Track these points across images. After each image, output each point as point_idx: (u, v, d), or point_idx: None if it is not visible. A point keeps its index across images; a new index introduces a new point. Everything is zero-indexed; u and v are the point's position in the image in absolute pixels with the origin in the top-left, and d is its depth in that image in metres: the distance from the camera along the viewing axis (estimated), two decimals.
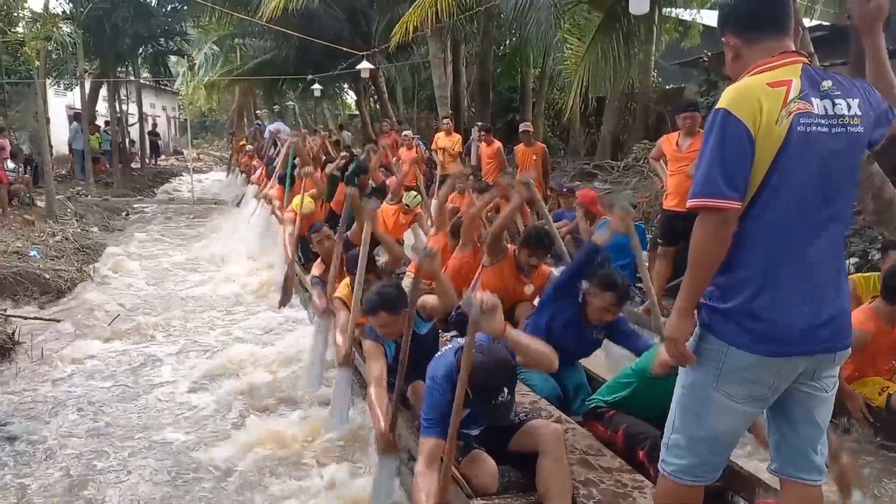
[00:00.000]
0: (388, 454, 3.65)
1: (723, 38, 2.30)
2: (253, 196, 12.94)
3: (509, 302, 5.14)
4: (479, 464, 3.16)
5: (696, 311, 2.23)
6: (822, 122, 2.09)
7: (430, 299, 4.08)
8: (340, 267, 5.58)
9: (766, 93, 2.07)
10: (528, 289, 5.43)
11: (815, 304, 2.11)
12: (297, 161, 9.18)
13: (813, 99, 2.09)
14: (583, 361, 4.76)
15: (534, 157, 10.47)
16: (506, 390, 2.91)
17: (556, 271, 5.56)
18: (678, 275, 6.78)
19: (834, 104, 2.11)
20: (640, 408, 3.63)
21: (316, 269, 6.36)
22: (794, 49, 2.20)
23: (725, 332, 2.15)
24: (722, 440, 2.27)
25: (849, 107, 2.13)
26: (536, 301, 5.27)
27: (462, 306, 2.92)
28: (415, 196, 8.33)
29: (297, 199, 8.30)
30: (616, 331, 4.41)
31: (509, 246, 5.52)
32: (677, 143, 6.46)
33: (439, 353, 3.37)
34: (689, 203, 2.12)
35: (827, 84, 2.14)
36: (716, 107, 2.11)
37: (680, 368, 2.30)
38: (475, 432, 3.34)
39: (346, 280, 5.32)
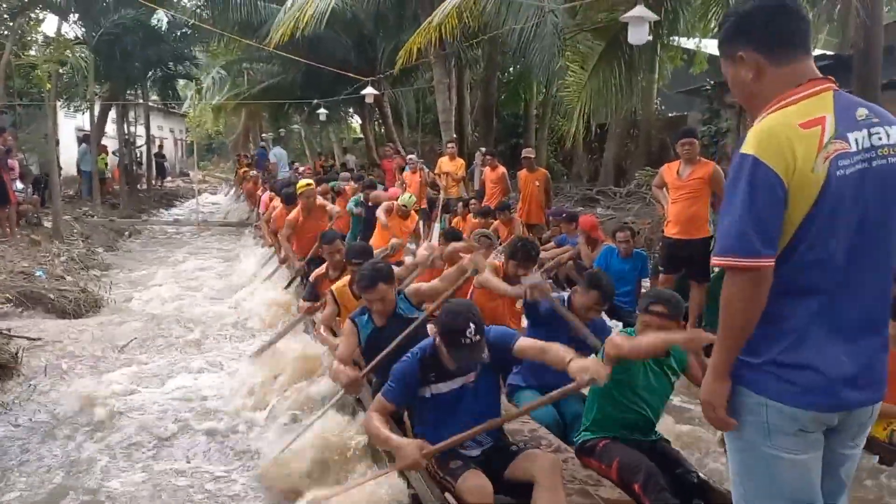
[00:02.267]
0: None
1: (737, 53, 2.05)
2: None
3: (501, 320, 5.18)
4: (475, 481, 3.19)
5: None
6: (861, 157, 1.92)
7: (424, 285, 4.31)
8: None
9: (798, 136, 1.88)
10: (519, 303, 5.46)
11: (854, 355, 1.96)
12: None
13: (849, 135, 1.91)
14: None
15: (536, 184, 10.57)
16: (472, 326, 3.16)
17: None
18: None
19: (871, 134, 1.93)
20: (612, 413, 3.67)
21: (314, 275, 6.53)
22: (820, 74, 2.00)
23: (762, 385, 1.98)
24: (803, 497, 2.03)
25: (888, 135, 1.95)
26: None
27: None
28: (410, 196, 8.51)
29: (301, 182, 8.87)
30: (598, 332, 4.47)
31: (497, 262, 5.55)
32: (678, 172, 6.52)
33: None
34: (717, 261, 1.95)
35: (863, 112, 1.96)
36: (741, 151, 1.92)
37: (726, 435, 2.12)
38: (474, 453, 3.39)
39: (346, 277, 5.43)
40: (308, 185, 8.85)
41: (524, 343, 3.40)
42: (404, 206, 8.59)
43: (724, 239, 1.93)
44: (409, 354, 3.51)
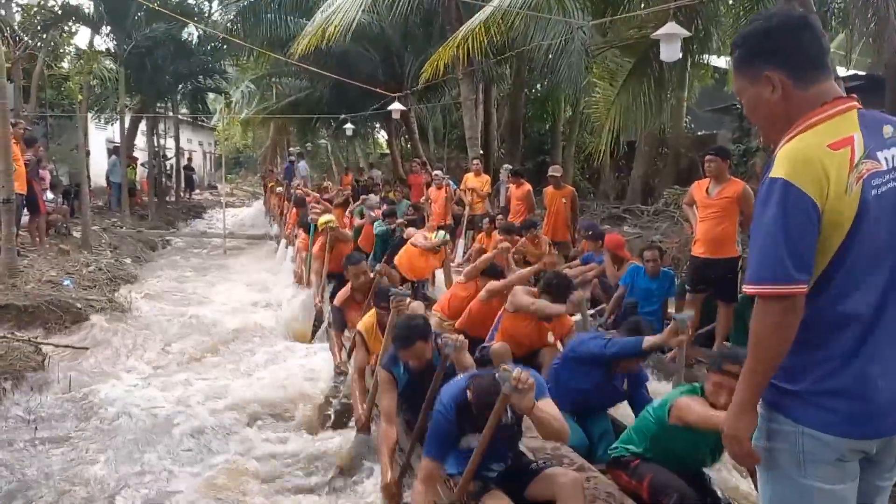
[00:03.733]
0: (393, 501, 3.82)
1: (762, 73, 1.96)
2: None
3: (528, 347, 5.11)
4: (497, 502, 3.12)
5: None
6: (893, 176, 1.86)
7: (466, 360, 4.00)
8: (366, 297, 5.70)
9: (829, 157, 1.81)
10: (550, 336, 5.38)
11: (894, 381, 1.88)
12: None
13: (879, 153, 1.86)
14: (609, 411, 4.70)
15: (563, 201, 10.49)
16: (509, 413, 3.05)
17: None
18: (707, 322, 6.71)
19: None
20: (664, 455, 3.55)
21: (339, 299, 6.43)
22: (843, 93, 1.95)
23: (800, 412, 1.90)
24: None
25: None
26: (560, 346, 5.22)
27: (498, 378, 2.91)
28: (444, 235, 8.36)
29: (323, 218, 8.62)
30: (636, 381, 4.37)
31: (530, 288, 5.48)
32: (707, 190, 6.43)
33: (452, 380, 3.44)
34: (750, 289, 1.87)
35: (889, 130, 1.90)
36: (770, 175, 1.84)
37: (759, 467, 2.03)
38: (494, 473, 3.32)
39: (372, 312, 5.33)
40: (328, 221, 8.75)
41: (545, 403, 3.20)
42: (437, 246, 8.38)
43: (755, 266, 1.86)
44: (441, 408, 3.31)
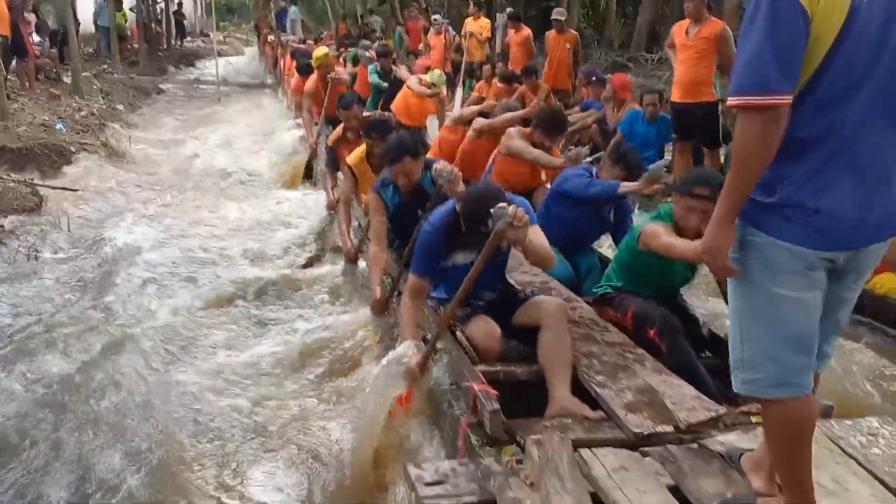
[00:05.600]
0: (380, 316, 4.06)
1: None
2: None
3: (522, 187, 5.12)
4: (483, 326, 3.25)
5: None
6: None
7: (460, 192, 4.04)
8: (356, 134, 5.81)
9: None
10: (543, 175, 5.39)
11: (867, 196, 1.89)
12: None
13: None
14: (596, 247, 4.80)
15: (567, 46, 10.18)
16: (491, 221, 3.02)
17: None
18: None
19: None
20: (640, 283, 3.64)
21: (331, 138, 6.43)
22: None
23: (773, 226, 1.93)
24: (803, 337, 2.00)
25: None
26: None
27: (493, 215, 2.90)
28: (439, 74, 8.21)
29: (319, 51, 8.49)
30: (622, 211, 4.46)
31: (523, 129, 5.41)
32: (686, 32, 6.27)
33: (443, 205, 3.50)
34: (733, 101, 1.82)
35: None
36: None
37: (729, 281, 2.08)
38: (483, 302, 3.43)
39: (363, 147, 5.32)
40: (325, 54, 8.54)
41: (534, 230, 3.19)
42: (433, 84, 8.22)
43: (738, 78, 1.82)
44: (429, 226, 3.38)
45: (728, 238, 1.95)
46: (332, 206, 6.10)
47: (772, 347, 1.99)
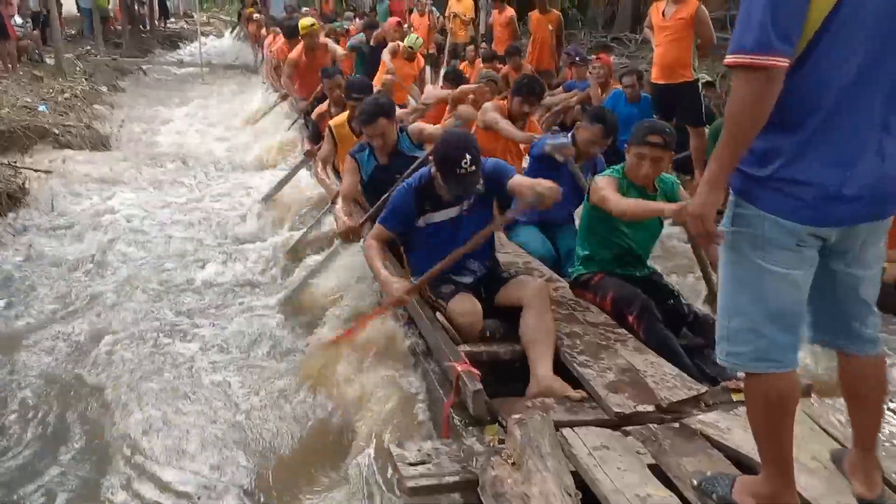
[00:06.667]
0: (350, 242, 4.33)
1: None
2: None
3: (502, 156, 5.15)
4: (465, 303, 3.28)
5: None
6: None
7: (429, 127, 4.28)
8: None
9: None
10: (522, 147, 5.40)
11: (854, 170, 1.88)
12: None
13: None
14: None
15: (550, 27, 10.16)
16: (468, 157, 3.19)
17: None
18: (682, 149, 6.74)
19: None
20: (604, 245, 3.69)
21: (316, 113, 6.47)
22: None
23: (762, 198, 1.93)
24: (789, 315, 2.01)
25: None
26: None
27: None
28: (416, 38, 8.33)
29: (305, 21, 8.53)
30: (599, 169, 4.46)
31: (501, 102, 5.43)
32: (663, 12, 6.27)
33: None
34: (732, 59, 1.81)
35: None
36: None
37: (721, 248, 2.08)
38: (467, 280, 3.47)
39: (347, 112, 5.33)
40: (312, 24, 8.52)
41: (518, 179, 3.38)
42: (410, 47, 8.31)
43: (736, 36, 1.81)
44: (405, 184, 3.53)
45: (716, 201, 1.94)
46: (318, 176, 6.10)
47: (757, 322, 2.00)
